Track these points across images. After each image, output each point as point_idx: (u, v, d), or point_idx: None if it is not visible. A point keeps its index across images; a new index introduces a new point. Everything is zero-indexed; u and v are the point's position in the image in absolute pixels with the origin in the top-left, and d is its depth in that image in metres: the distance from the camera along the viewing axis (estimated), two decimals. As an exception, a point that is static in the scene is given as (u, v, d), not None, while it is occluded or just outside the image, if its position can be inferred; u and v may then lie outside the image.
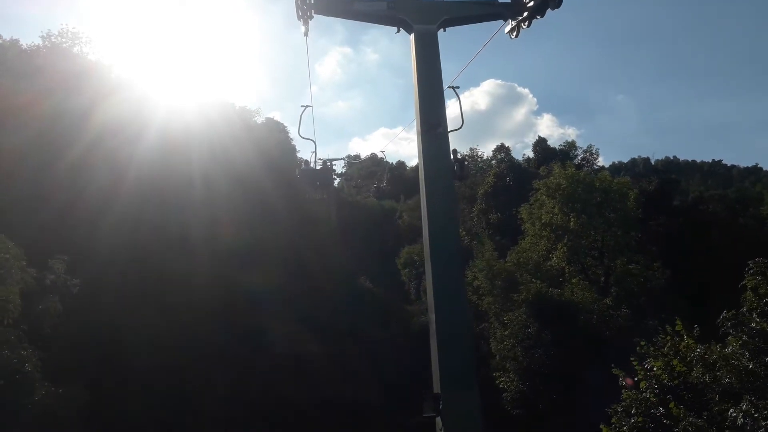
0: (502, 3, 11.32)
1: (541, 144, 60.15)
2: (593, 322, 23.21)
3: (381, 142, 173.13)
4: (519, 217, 32.60)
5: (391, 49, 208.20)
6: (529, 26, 11.37)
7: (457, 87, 12.02)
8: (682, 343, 12.07)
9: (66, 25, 33.41)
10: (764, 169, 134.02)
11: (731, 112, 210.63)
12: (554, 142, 64.10)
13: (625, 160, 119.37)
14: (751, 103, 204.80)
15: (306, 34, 12.15)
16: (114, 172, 25.04)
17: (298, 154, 47.05)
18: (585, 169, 42.36)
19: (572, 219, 26.78)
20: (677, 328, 12.27)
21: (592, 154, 54.57)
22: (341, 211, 52.39)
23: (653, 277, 27.88)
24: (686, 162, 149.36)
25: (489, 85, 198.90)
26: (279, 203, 36.02)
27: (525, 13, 11.21)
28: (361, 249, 49.91)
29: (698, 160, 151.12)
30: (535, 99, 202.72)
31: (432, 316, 8.72)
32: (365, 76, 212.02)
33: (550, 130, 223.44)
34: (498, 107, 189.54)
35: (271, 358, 24.49)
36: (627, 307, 25.26)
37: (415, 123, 10.82)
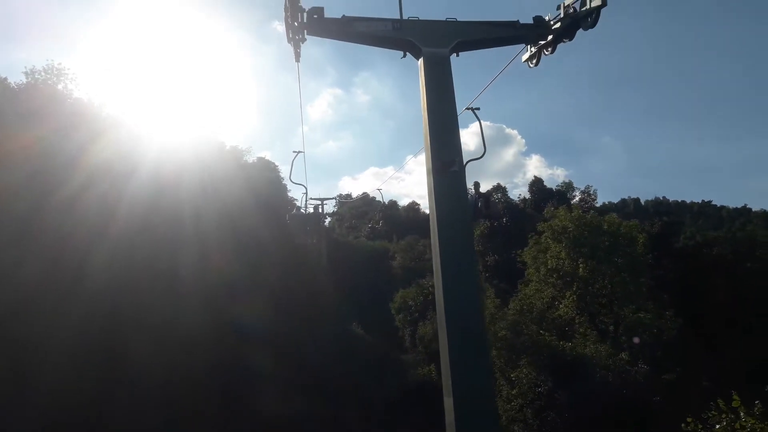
0: (524, 25, 9.96)
1: (537, 184, 59.21)
2: (609, 380, 21.18)
3: (371, 181, 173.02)
4: (519, 260, 30.91)
5: (382, 91, 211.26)
6: (552, 52, 9.96)
7: (477, 108, 10.45)
8: (738, 423, 10.22)
9: (51, 60, 32.10)
10: (753, 209, 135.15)
11: (716, 154, 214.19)
12: (545, 183, 63.74)
13: (615, 201, 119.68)
14: (736, 146, 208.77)
15: (297, 59, 10.61)
16: (105, 212, 24.44)
17: (289, 194, 45.63)
18: (590, 211, 40.94)
19: (581, 265, 25.10)
20: (734, 404, 10.39)
21: (590, 195, 53.42)
22: (332, 252, 50.58)
23: (666, 326, 26.14)
24: (676, 202, 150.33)
25: (478, 126, 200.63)
26: (270, 242, 34.74)
27: (549, 37, 9.85)
28: (353, 291, 47.90)
29: (687, 201, 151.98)
30: (524, 140, 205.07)
31: (449, 401, 6.94)
32: (356, 116, 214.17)
33: (539, 170, 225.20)
34: (487, 148, 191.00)
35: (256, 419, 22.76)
36: (641, 359, 23.37)
37: (420, 160, 8.90)
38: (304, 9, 9.65)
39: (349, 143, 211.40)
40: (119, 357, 20.31)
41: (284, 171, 51.81)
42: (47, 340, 17.66)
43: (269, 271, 32.91)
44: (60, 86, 32.71)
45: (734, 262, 37.59)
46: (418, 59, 9.91)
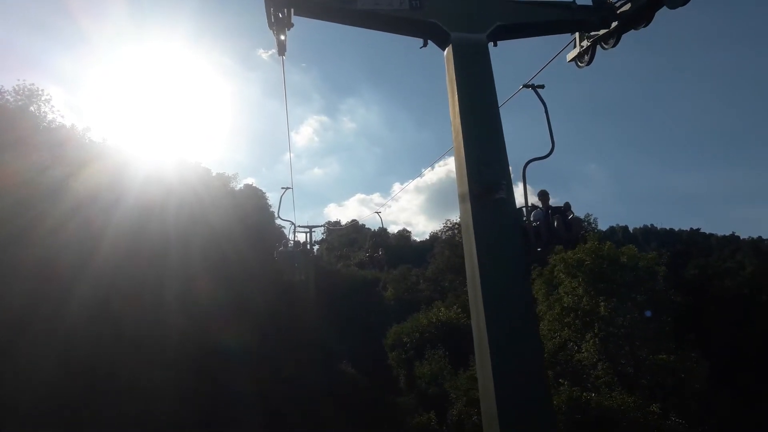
0: (582, 7, 7.45)
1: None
2: (642, 438, 18.35)
3: (357, 207, 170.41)
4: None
5: (368, 118, 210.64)
6: (615, 44, 7.45)
7: (541, 86, 7.88)
8: None
9: (23, 81, 30.47)
10: (741, 237, 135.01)
11: (702, 182, 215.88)
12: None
13: (603, 228, 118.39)
14: (720, 174, 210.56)
15: (281, 51, 7.98)
16: (90, 239, 24.59)
17: (277, 221, 43.17)
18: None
19: (602, 303, 22.46)
20: None
21: (590, 223, 51.16)
22: (321, 282, 47.71)
23: (692, 370, 23.50)
24: (664, 230, 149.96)
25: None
26: (257, 270, 34.40)
27: (614, 24, 7.36)
28: (342, 323, 44.79)
29: (675, 228, 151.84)
30: (511, 167, 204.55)
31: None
32: (342, 143, 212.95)
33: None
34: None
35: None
36: (672, 412, 20.61)
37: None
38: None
39: (335, 170, 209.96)
40: (102, 382, 20.19)
41: (271, 197, 50.01)
42: (30, 366, 17.81)
43: (256, 301, 31.95)
44: (32, 108, 31.17)
45: (750, 296, 35.27)
46: (443, 48, 7.27)
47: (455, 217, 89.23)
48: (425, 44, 7.15)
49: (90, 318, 21.96)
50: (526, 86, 7.84)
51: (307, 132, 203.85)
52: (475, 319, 5.78)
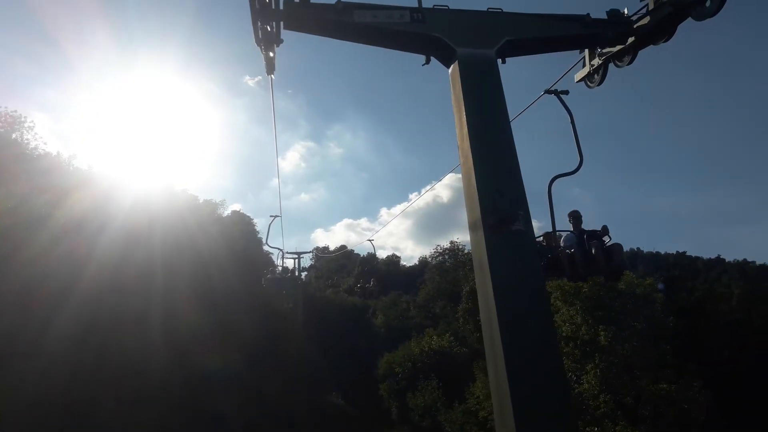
0: (597, 20, 6.95)
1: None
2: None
3: (345, 232, 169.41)
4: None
5: (355, 144, 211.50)
6: (631, 61, 6.98)
7: (566, 92, 7.32)
8: None
9: (5, 107, 29.88)
10: (727, 260, 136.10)
11: (686, 206, 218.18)
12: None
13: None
14: (704, 197, 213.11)
15: (270, 69, 7.34)
16: (73, 267, 23.84)
17: (265, 247, 42.49)
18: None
19: (602, 332, 21.78)
20: None
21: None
22: (309, 308, 46.58)
23: (694, 400, 22.79)
24: (650, 253, 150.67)
25: (449, 179, 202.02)
26: (244, 297, 34.14)
27: (630, 39, 6.86)
28: (332, 351, 43.62)
29: (662, 252, 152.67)
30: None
31: None
32: (329, 168, 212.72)
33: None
34: (460, 200, 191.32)
35: None
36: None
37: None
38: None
39: (322, 195, 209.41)
40: (84, 412, 19.90)
41: (258, 223, 49.26)
42: (9, 397, 17.58)
43: (243, 330, 31.43)
44: (15, 135, 30.57)
45: (747, 320, 34.86)
46: (448, 65, 6.70)
47: (444, 242, 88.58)
48: (428, 61, 6.58)
49: (71, 347, 21.50)
50: (548, 92, 7.30)
51: (293, 158, 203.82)
52: (493, 370, 5.05)
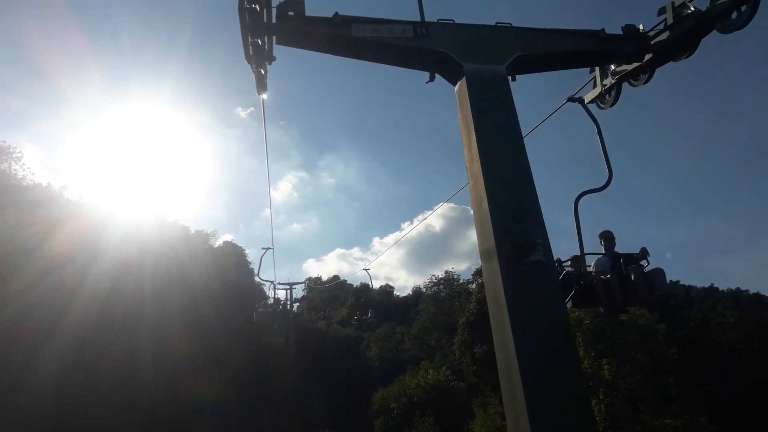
0: (612, 36, 6.57)
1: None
2: None
3: (337, 262, 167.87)
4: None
5: (347, 174, 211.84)
6: (648, 80, 6.59)
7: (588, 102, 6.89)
8: None
9: None
10: (720, 289, 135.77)
11: (678, 234, 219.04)
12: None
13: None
14: (696, 225, 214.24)
15: (261, 89, 6.87)
16: (61, 300, 23.98)
17: (256, 278, 41.75)
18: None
19: (606, 366, 21.05)
20: None
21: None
22: (301, 340, 45.42)
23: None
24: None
25: (443, 209, 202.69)
26: (235, 328, 33.56)
27: (647, 56, 6.47)
28: (325, 385, 42.34)
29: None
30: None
31: None
32: (321, 198, 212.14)
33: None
34: (452, 229, 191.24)
35: None
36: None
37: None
38: (273, 4, 6.11)
39: (314, 225, 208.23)
40: None
41: (250, 254, 48.77)
42: None
43: (233, 362, 30.98)
44: (3, 166, 30.29)
45: (748, 351, 34.24)
46: (454, 82, 6.24)
47: (437, 272, 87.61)
48: (432, 78, 6.14)
49: (57, 384, 21.48)
50: (572, 100, 6.85)
51: (285, 188, 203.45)
52: (513, 419, 4.42)
